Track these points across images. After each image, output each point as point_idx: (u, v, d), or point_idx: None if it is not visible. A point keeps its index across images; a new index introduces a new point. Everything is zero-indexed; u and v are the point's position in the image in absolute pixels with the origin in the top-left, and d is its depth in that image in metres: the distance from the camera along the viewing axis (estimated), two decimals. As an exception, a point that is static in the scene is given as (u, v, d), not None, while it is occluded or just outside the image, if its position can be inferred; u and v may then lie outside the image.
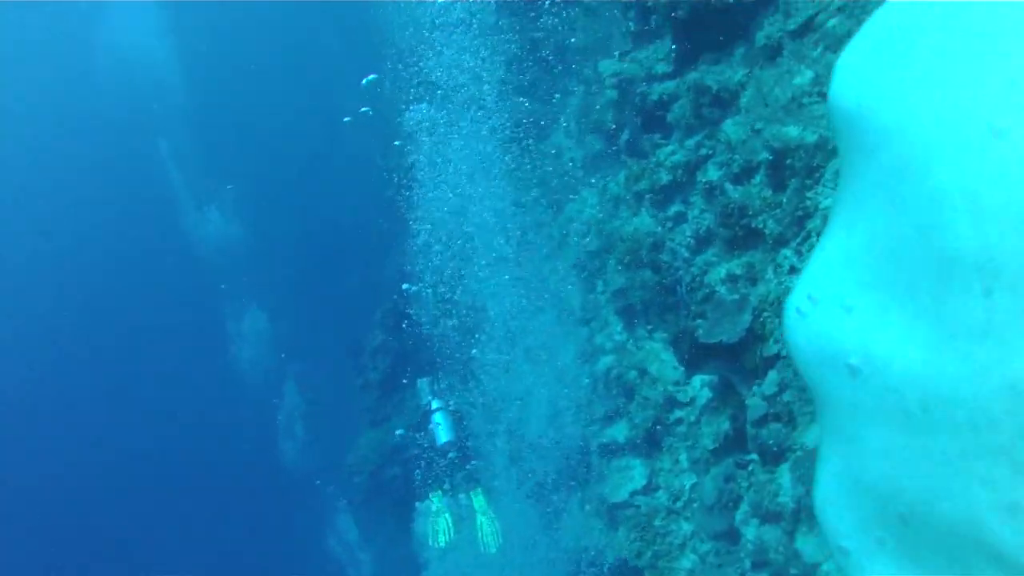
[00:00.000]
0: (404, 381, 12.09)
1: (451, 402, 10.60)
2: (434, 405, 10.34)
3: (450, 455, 9.87)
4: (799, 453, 6.80)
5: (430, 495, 9.89)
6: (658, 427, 9.43)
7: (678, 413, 9.24)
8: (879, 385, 1.25)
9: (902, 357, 1.21)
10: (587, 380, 10.95)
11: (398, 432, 12.98)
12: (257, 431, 25.29)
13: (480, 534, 9.53)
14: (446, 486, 9.91)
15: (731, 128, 8.53)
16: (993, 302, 1.08)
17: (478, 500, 9.71)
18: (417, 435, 10.37)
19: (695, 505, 8.93)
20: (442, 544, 9.60)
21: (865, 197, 1.30)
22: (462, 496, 9.80)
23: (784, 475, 7.09)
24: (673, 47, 9.86)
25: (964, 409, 1.12)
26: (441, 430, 10.06)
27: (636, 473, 9.78)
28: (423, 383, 10.66)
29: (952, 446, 1.14)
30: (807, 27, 7.92)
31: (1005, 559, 1.11)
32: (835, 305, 1.35)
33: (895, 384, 1.22)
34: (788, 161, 7.41)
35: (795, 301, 1.46)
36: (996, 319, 1.08)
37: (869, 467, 1.31)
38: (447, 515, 9.68)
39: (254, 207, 28.26)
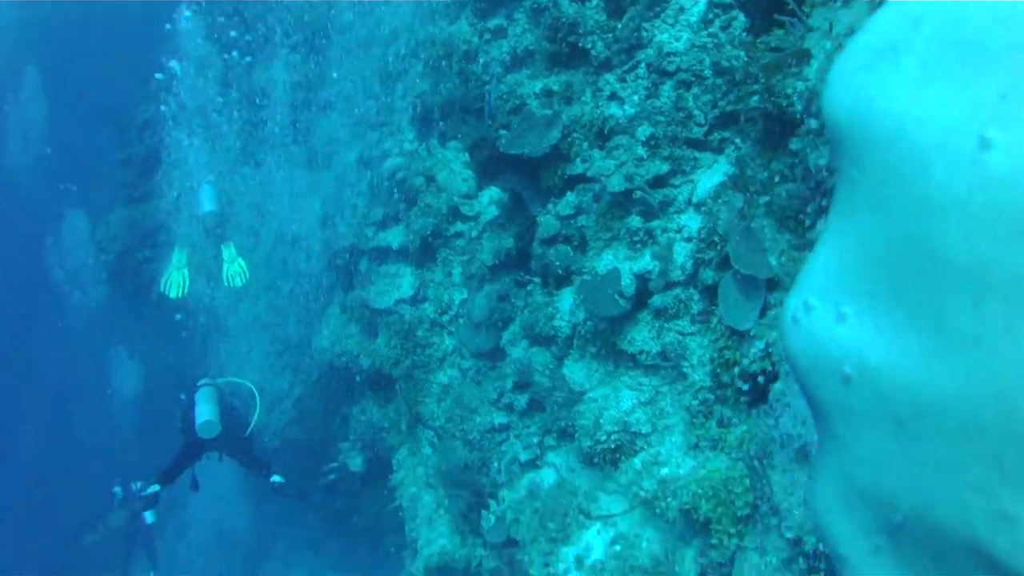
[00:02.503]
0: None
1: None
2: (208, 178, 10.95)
3: (207, 219, 10.62)
4: (587, 277, 6.52)
5: (176, 250, 10.58)
6: (436, 238, 9.11)
7: (460, 227, 8.88)
8: (872, 393, 1.28)
9: (894, 365, 1.23)
10: (367, 184, 10.51)
11: None
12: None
13: (227, 276, 10.49)
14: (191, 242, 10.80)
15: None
16: (983, 311, 1.11)
17: (228, 251, 10.55)
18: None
19: (461, 321, 8.75)
20: (174, 296, 10.44)
21: (859, 206, 1.33)
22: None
23: (565, 298, 6.83)
24: None
25: (954, 417, 1.14)
26: (206, 199, 10.53)
27: (404, 282, 9.45)
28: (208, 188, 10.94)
29: (943, 454, 1.17)
30: None
31: (999, 566, 1.12)
32: (830, 313, 1.37)
33: (887, 392, 1.25)
34: (629, -11, 7.02)
35: (791, 309, 1.48)
36: (986, 328, 1.11)
37: (864, 475, 1.34)
38: (185, 271, 10.46)
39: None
